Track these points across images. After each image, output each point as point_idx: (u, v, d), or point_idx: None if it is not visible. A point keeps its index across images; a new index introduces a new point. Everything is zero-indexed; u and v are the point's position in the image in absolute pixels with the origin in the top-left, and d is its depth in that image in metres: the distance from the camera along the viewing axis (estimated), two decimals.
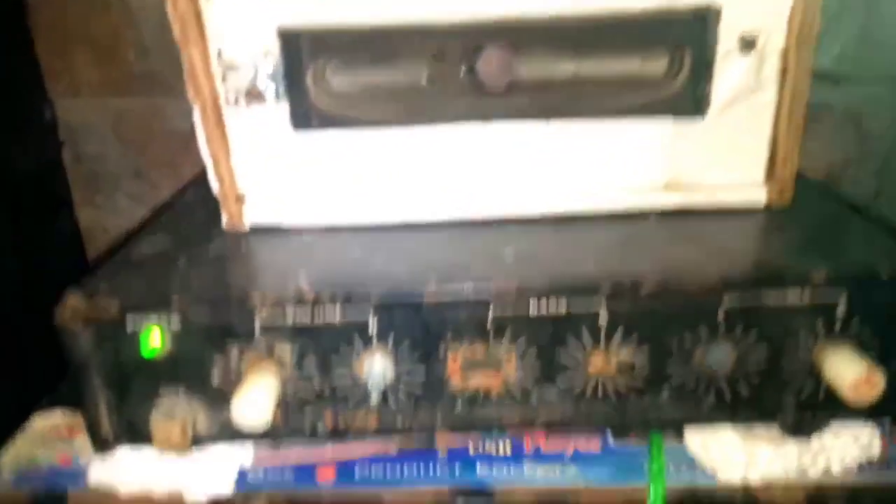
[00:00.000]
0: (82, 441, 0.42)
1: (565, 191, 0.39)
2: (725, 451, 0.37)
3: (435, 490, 0.37)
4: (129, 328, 0.33)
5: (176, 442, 0.35)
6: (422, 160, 0.40)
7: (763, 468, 0.37)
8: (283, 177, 0.40)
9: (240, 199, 0.40)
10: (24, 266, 0.59)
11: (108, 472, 0.39)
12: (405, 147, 0.40)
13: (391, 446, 0.41)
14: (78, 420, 0.44)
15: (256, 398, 0.33)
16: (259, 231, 0.40)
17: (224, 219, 0.40)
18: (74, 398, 0.45)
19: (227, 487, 0.38)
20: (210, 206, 0.43)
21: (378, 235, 0.39)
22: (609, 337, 0.33)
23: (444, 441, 0.41)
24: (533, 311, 0.33)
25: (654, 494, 0.36)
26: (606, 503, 0.36)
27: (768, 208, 0.40)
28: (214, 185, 0.40)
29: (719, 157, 0.39)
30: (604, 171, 0.39)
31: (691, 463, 0.38)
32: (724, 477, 0.37)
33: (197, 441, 0.36)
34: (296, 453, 0.41)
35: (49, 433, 0.43)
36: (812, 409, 0.36)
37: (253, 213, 0.40)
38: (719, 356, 0.33)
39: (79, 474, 0.40)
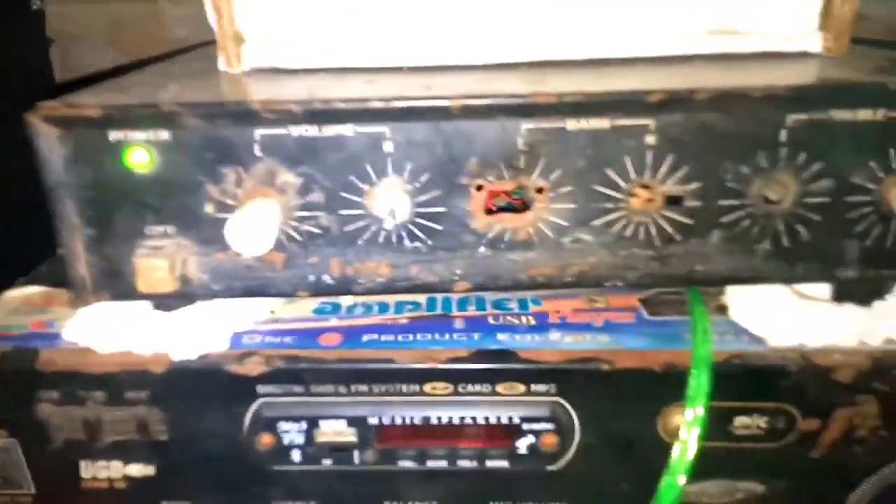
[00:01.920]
0: (60, 310, 0.37)
1: (600, 34, 0.35)
2: (777, 314, 0.33)
3: (452, 352, 0.33)
4: (112, 137, 0.29)
5: (163, 282, 0.31)
6: None
7: (820, 334, 0.33)
8: (286, 12, 0.35)
9: (238, 39, 0.35)
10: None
11: (86, 333, 0.34)
12: None
13: (401, 317, 0.37)
14: (56, 293, 0.39)
15: (257, 218, 0.28)
16: (259, 72, 0.36)
17: (221, 62, 0.36)
18: (55, 277, 0.41)
19: (220, 345, 0.33)
20: (203, 62, 0.39)
21: (392, 75, 0.34)
22: (657, 162, 0.29)
23: (461, 314, 0.36)
24: (572, 125, 0.29)
25: (699, 355, 0.31)
26: (645, 367, 0.32)
27: (823, 56, 0.36)
28: (212, 20, 0.35)
29: (769, 0, 0.35)
30: (643, 14, 0.35)
31: (736, 330, 0.33)
32: (776, 343, 0.32)
33: (186, 284, 0.31)
34: (296, 323, 0.36)
35: (21, 305, 0.38)
36: (877, 266, 0.31)
37: (252, 56, 0.35)
38: (779, 187, 0.29)
39: (53, 337, 0.35)
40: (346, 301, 0.37)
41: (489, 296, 0.37)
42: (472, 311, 0.36)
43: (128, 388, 0.32)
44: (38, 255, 0.47)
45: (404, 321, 0.35)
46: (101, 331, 0.33)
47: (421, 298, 0.37)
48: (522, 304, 0.36)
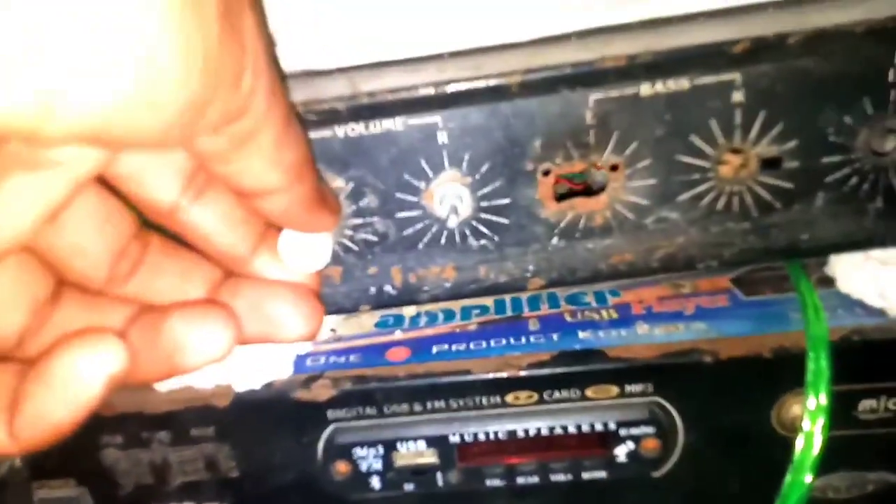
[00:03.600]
0: None
1: None
2: (893, 280, 0.29)
3: (532, 357, 0.30)
4: None
5: None
6: None
7: None
8: (312, 8, 0.32)
9: None
10: None
11: None
12: None
13: (470, 323, 0.33)
14: None
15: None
16: (291, 77, 0.33)
17: None
18: None
19: (283, 371, 0.31)
20: None
21: (433, 63, 0.31)
22: (747, 122, 0.25)
23: (534, 314, 0.33)
24: (646, 90, 0.25)
25: (815, 335, 0.27)
26: (753, 355, 0.28)
27: None
28: None
29: None
30: None
31: (848, 303, 0.29)
32: None
33: None
34: (360, 339, 0.34)
35: None
36: None
37: (282, 60, 0.33)
38: (889, 135, 0.25)
39: None
40: (408, 312, 0.35)
41: (561, 291, 0.34)
42: (545, 309, 0.33)
43: (192, 426, 0.30)
44: None
45: (474, 327, 0.32)
46: None
47: (488, 301, 0.34)
48: (600, 298, 0.33)
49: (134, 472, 0.31)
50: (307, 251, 0.25)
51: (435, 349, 0.31)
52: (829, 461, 0.28)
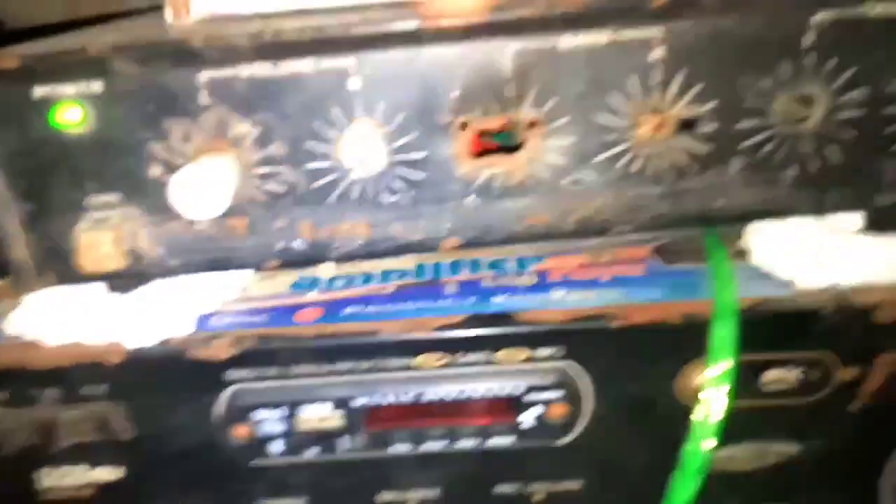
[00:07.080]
0: (2, 302, 0.33)
1: None
2: (804, 252, 0.29)
3: (443, 319, 0.28)
4: (37, 93, 0.24)
5: (109, 258, 0.26)
6: None
7: (855, 270, 0.28)
8: None
9: None
10: None
11: (31, 324, 0.29)
12: None
13: (387, 286, 0.32)
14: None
15: (202, 174, 0.24)
16: (211, 21, 0.31)
17: (168, 13, 0.31)
18: None
19: (182, 329, 0.29)
20: (156, 19, 0.34)
21: (358, 12, 0.29)
22: (666, 81, 0.24)
23: (453, 279, 0.32)
24: (564, 45, 0.24)
25: (722, 303, 0.27)
26: (661, 321, 0.27)
27: None
28: None
29: None
30: None
31: (760, 274, 0.29)
32: (805, 284, 0.28)
33: (138, 259, 0.27)
34: (271, 300, 0.32)
35: None
36: None
37: (203, 2, 0.31)
38: (806, 101, 0.25)
39: None
40: (326, 273, 0.33)
41: (485, 257, 0.33)
42: (465, 274, 0.32)
43: (83, 384, 0.28)
44: None
45: (390, 291, 0.31)
46: (47, 320, 0.28)
47: (409, 265, 0.33)
48: (521, 264, 0.32)
49: (19, 432, 0.29)
50: (201, 197, 0.23)
51: (348, 310, 0.29)
52: (732, 433, 0.27)
